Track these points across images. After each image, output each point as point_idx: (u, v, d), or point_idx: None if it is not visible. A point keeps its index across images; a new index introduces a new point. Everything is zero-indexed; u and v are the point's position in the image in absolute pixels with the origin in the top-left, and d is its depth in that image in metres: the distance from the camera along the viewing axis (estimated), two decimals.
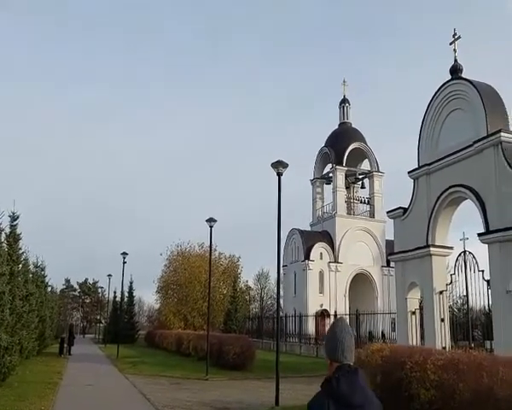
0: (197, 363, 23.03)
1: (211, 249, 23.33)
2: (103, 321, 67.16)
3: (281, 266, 14.10)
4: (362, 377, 2.32)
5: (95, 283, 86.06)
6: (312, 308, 39.22)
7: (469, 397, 7.53)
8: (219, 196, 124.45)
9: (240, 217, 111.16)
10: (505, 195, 13.87)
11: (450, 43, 16.88)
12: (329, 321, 33.89)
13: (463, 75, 16.30)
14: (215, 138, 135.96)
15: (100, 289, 73.91)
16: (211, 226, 19.74)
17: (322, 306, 40.69)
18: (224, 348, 21.12)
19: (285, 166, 12.97)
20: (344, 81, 47.75)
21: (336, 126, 47.40)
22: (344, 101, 47.35)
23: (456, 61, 16.58)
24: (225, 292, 47.45)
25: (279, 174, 12.97)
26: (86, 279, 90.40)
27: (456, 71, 16.45)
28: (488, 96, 15.08)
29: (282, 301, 47.36)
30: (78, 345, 35.97)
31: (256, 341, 32.39)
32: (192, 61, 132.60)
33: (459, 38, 16.70)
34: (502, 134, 14.21)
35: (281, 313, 42.55)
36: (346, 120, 47.03)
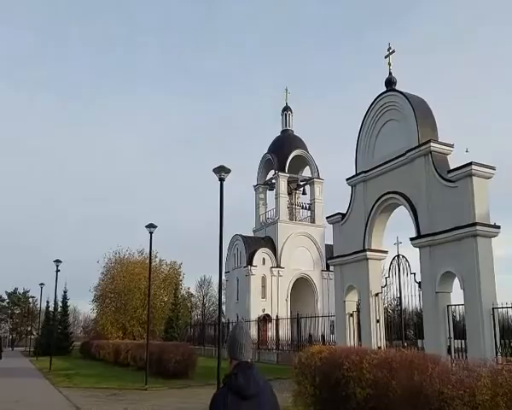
0: (136, 373, 22.36)
1: (150, 256, 22.85)
2: (35, 333, 63.67)
3: (223, 271, 14.05)
4: (257, 371, 2.73)
5: (25, 292, 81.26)
6: (255, 313, 39.41)
7: (401, 394, 7.87)
8: (162, 203, 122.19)
9: (182, 224, 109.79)
10: (435, 202, 14.71)
11: (386, 57, 17.70)
12: (272, 326, 34.21)
13: (398, 87, 17.15)
14: (153, 146, 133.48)
15: (31, 299, 70.05)
16: (151, 232, 19.35)
17: (264, 310, 41.03)
18: (165, 357, 20.70)
19: (227, 171, 12.98)
20: (286, 89, 48.77)
21: (279, 133, 48.22)
22: (286, 108, 48.29)
23: (390, 73, 17.42)
24: (166, 299, 46.57)
25: (221, 180, 12.96)
26: (16, 289, 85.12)
27: (390, 83, 17.28)
28: (419, 108, 15.96)
29: (224, 308, 47.21)
30: (6, 358, 33.80)
31: (198, 348, 32.03)
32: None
33: (393, 51, 17.57)
34: (431, 144, 15.08)
35: (223, 319, 42.52)
36: (288, 128, 47.96)
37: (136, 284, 43.75)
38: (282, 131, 48.04)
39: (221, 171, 12.92)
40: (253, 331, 33.88)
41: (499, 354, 12.74)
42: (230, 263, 45.27)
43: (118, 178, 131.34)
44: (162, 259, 48.01)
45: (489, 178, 13.67)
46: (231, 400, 2.54)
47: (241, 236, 44.44)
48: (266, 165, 47.40)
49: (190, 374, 20.20)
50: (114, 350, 30.02)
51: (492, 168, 13.64)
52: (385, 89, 17.41)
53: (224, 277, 44.59)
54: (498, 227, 13.40)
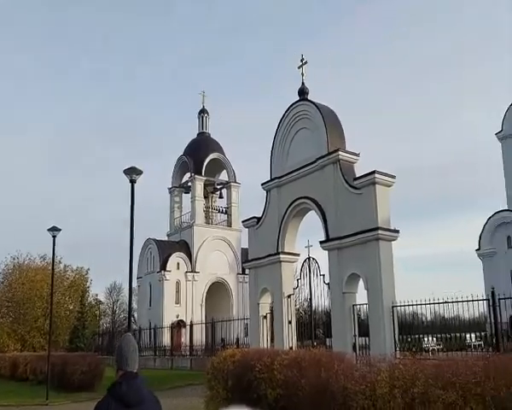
0: (36, 387, 20.81)
1: (53, 261, 21.37)
2: None
3: (134, 277, 13.58)
4: (141, 381, 2.86)
5: None
6: (168, 319, 38.62)
7: (310, 391, 8.19)
8: (70, 207, 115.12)
9: (92, 228, 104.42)
10: (342, 207, 15.54)
11: (299, 67, 18.36)
12: (186, 331, 33.76)
13: (311, 97, 17.83)
14: (64, 145, 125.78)
15: None
16: (54, 236, 18.18)
17: (178, 316, 40.38)
18: (69, 369, 19.53)
19: (139, 173, 12.63)
20: (203, 92, 48.65)
21: (195, 136, 47.92)
22: (203, 111, 48.16)
23: (303, 83, 18.10)
24: (72, 308, 43.99)
25: (132, 181, 12.57)
26: None
27: (303, 93, 17.94)
28: (329, 118, 16.78)
29: (136, 314, 45.65)
30: None
31: (107, 358, 30.60)
32: None
33: (306, 62, 18.29)
34: (340, 153, 15.92)
35: (135, 327, 41.10)
36: (204, 131, 47.84)
37: (38, 291, 40.83)
38: (199, 134, 47.81)
39: (132, 172, 12.54)
40: (167, 338, 33.19)
41: (398, 349, 13.76)
42: (143, 268, 43.99)
43: (19, 179, 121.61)
44: (67, 264, 45.43)
45: (390, 186, 14.75)
46: (115, 408, 2.65)
47: (154, 240, 43.38)
48: (182, 167, 46.82)
49: (97, 386, 19.24)
50: (11, 363, 27.66)
51: (393, 177, 14.74)
52: (298, 98, 18.05)
53: (135, 282, 43.29)
54: (397, 231, 14.51)
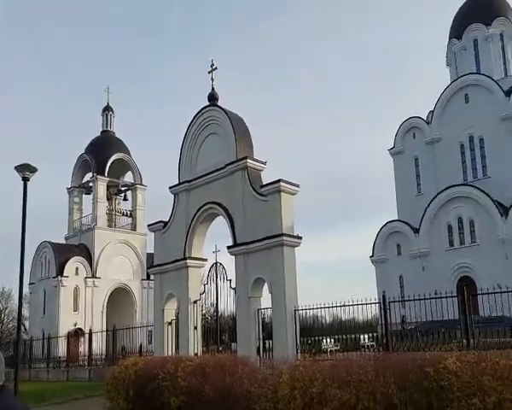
0: None
1: None
2: None
3: (26, 283, 12.52)
4: (8, 393, 2.83)
5: None
6: (65, 328, 36.26)
7: (214, 396, 8.19)
8: None
9: None
10: (249, 213, 15.82)
11: (209, 72, 18.34)
12: (84, 340, 31.88)
13: (223, 103, 17.83)
14: None
15: None
16: None
17: (76, 325, 38.06)
18: None
19: (33, 170, 11.71)
20: (108, 88, 46.57)
21: (98, 134, 45.67)
22: (107, 108, 46.07)
23: (213, 89, 18.07)
24: None
25: (25, 179, 11.62)
26: None
27: (213, 98, 17.94)
28: (238, 125, 17.00)
29: (27, 323, 42.14)
30: None
31: None
32: None
33: (216, 68, 18.29)
34: (248, 160, 16.20)
35: (26, 337, 37.91)
36: (109, 129, 45.80)
37: None
38: (103, 132, 45.65)
39: (25, 169, 11.60)
40: (62, 348, 31.10)
41: (299, 351, 14.32)
42: (36, 273, 40.84)
43: None
44: None
45: (294, 194, 15.34)
46: None
47: (49, 243, 40.50)
48: (83, 167, 44.32)
49: None
50: None
51: (297, 186, 15.33)
52: (208, 103, 18.01)
53: (26, 288, 39.98)
54: (300, 238, 15.13)
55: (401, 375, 7.12)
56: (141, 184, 44.87)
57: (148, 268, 31.21)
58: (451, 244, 49.86)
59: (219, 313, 18.04)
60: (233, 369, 8.29)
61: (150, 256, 34.09)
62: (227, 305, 16.69)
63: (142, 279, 43.38)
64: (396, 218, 55.90)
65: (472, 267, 47.69)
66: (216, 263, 17.28)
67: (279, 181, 14.78)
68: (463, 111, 53.05)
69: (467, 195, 48.66)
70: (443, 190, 50.39)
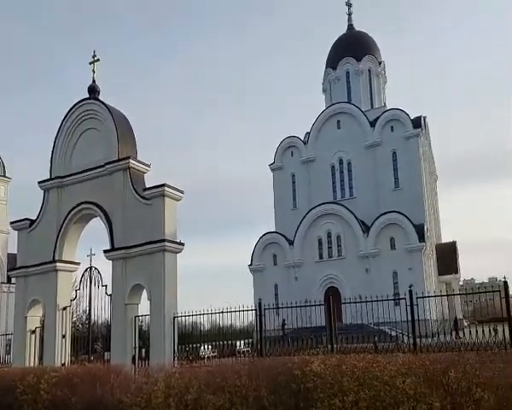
0: None
1: None
2: None
3: None
4: None
5: None
6: None
7: (81, 408, 7.72)
8: None
9: None
10: (130, 216, 15.24)
11: (90, 63, 17.28)
12: None
13: (103, 97, 16.91)
14: None
15: None
16: None
17: None
18: None
19: None
20: None
21: None
22: None
23: (94, 81, 17.02)
24: None
25: None
26: None
27: (93, 91, 16.91)
28: (121, 124, 16.21)
29: None
30: None
31: None
32: None
33: (98, 60, 17.23)
34: (130, 161, 15.59)
35: None
36: None
37: None
38: None
39: None
40: None
41: (176, 358, 14.17)
42: None
43: None
44: None
45: (179, 200, 15.19)
46: None
47: None
48: None
49: None
50: None
51: (181, 192, 15.21)
52: (88, 95, 16.95)
53: None
54: (183, 244, 15.04)
55: (272, 378, 7.48)
56: (3, 176, 40.51)
57: (8, 270, 28.15)
58: (321, 257, 53.89)
59: (92, 321, 17.02)
60: (105, 379, 7.91)
61: (12, 257, 30.81)
62: (101, 312, 15.82)
63: (2, 283, 39.05)
64: (274, 230, 58.70)
65: (338, 278, 52.06)
66: (90, 267, 16.29)
67: (163, 185, 14.53)
68: (335, 136, 58.21)
69: (335, 212, 53.21)
70: (315, 207, 54.47)
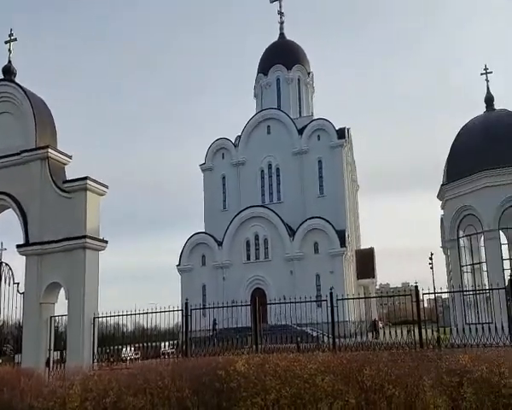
0: None
1: None
2: None
3: None
4: None
5: None
6: None
7: None
8: None
9: None
10: (48, 209, 14.30)
11: (6, 42, 15.91)
12: None
13: (20, 80, 15.63)
14: None
15: None
16: None
17: None
18: None
19: None
20: None
21: None
22: None
23: (9, 62, 15.65)
24: None
25: None
26: None
27: (8, 72, 15.57)
28: (39, 109, 15.06)
29: None
30: None
31: None
32: None
33: (15, 39, 15.82)
34: (49, 150, 14.57)
35: None
36: None
37: None
38: None
39: None
40: None
41: (96, 360, 13.55)
42: None
43: None
44: None
45: (102, 195, 14.48)
46: None
47: None
48: None
49: None
50: None
51: (106, 186, 14.52)
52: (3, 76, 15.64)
53: None
54: (106, 242, 14.41)
55: (195, 379, 7.42)
56: None
57: None
58: (248, 258, 54.43)
59: (1, 322, 15.78)
60: (14, 382, 7.36)
61: None
62: (13, 311, 14.70)
63: None
64: (203, 230, 58.31)
65: (264, 280, 52.86)
66: (0, 263, 15.12)
67: (86, 179, 13.77)
68: (265, 141, 59.26)
69: (264, 215, 54.09)
70: (244, 209, 54.99)
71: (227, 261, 54.62)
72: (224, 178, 60.85)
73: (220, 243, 55.21)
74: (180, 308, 14.66)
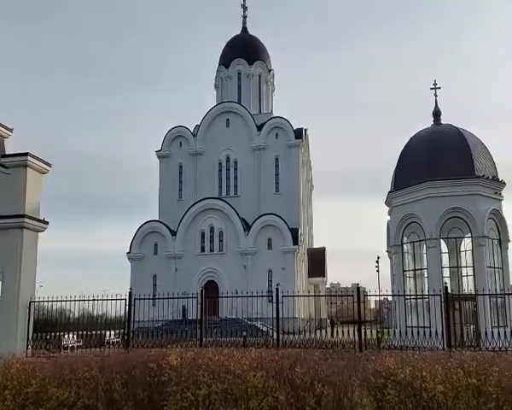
0: None
1: None
2: None
3: None
4: None
5: None
6: None
7: None
8: None
9: None
10: None
11: None
12: None
13: None
14: None
15: None
16: None
17: None
18: None
19: None
20: None
21: None
22: None
23: None
24: None
25: None
26: None
27: None
28: None
29: None
30: None
31: None
32: None
33: None
34: None
35: None
36: None
37: None
38: None
39: None
40: None
41: (30, 347, 12.98)
42: None
43: None
44: None
45: (45, 173, 13.84)
46: None
47: None
48: None
49: None
50: None
51: (48, 164, 13.85)
52: None
53: None
54: (47, 223, 13.78)
55: (126, 371, 7.17)
56: None
57: None
58: (203, 250, 53.96)
59: None
60: None
61: None
62: None
63: None
64: (157, 218, 57.18)
65: (217, 273, 52.62)
66: None
67: (26, 154, 13.07)
68: (224, 133, 58.79)
69: (219, 208, 53.75)
70: (200, 200, 54.40)
71: (180, 252, 53.95)
72: (181, 166, 59.87)
73: (174, 233, 54.44)
74: (123, 297, 14.30)
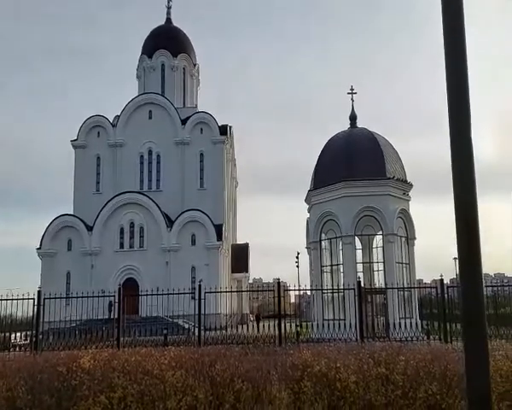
0: None
1: None
2: None
3: None
4: None
5: None
6: None
7: None
8: None
9: None
10: None
11: None
12: None
13: None
14: None
15: None
16: None
17: None
18: None
19: None
20: None
21: None
22: None
23: None
24: None
25: None
26: None
27: None
28: None
29: None
30: None
31: None
32: None
33: None
34: None
35: None
36: None
37: None
38: None
39: None
40: None
41: None
42: None
43: None
44: None
45: None
46: None
47: None
48: None
49: None
50: None
51: None
52: None
53: None
54: None
55: (31, 377, 6.65)
56: None
57: None
58: (122, 246, 51.99)
59: None
60: None
61: None
62: None
63: None
64: (72, 212, 54.09)
65: (137, 270, 50.98)
66: None
67: None
68: (146, 125, 57.01)
69: (141, 202, 52.07)
70: (120, 194, 52.30)
71: (97, 248, 51.56)
72: (98, 158, 57.05)
73: (90, 228, 51.87)
74: (31, 297, 13.39)
